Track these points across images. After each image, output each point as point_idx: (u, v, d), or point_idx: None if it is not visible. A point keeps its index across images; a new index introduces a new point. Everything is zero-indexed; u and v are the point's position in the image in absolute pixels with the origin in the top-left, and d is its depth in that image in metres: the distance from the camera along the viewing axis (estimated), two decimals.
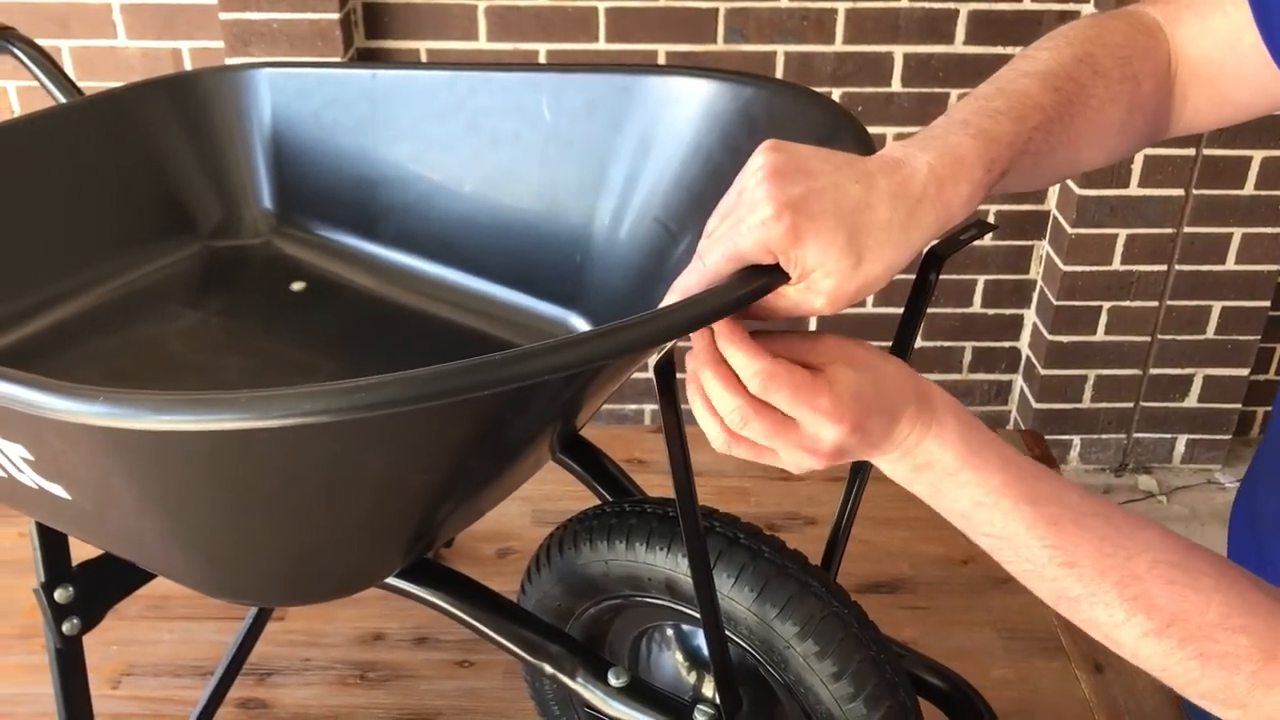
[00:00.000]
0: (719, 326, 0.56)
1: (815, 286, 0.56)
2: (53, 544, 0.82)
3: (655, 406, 2.57)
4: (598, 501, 0.88)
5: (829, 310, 0.57)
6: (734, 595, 0.75)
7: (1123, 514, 0.58)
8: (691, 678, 0.86)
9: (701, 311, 0.54)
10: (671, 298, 0.58)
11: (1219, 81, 0.71)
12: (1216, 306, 2.39)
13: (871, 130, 2.46)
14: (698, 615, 0.74)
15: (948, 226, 0.59)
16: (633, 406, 2.55)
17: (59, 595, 0.82)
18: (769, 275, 0.56)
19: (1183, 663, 0.56)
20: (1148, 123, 0.71)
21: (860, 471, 0.80)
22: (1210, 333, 2.45)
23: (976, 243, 2.40)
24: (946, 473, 0.58)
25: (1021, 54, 0.67)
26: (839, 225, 0.55)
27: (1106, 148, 0.70)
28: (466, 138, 0.97)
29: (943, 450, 0.58)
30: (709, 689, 0.84)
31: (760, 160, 0.57)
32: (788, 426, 0.57)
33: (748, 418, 0.57)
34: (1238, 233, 2.33)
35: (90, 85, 1.41)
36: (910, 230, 0.57)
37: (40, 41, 1.09)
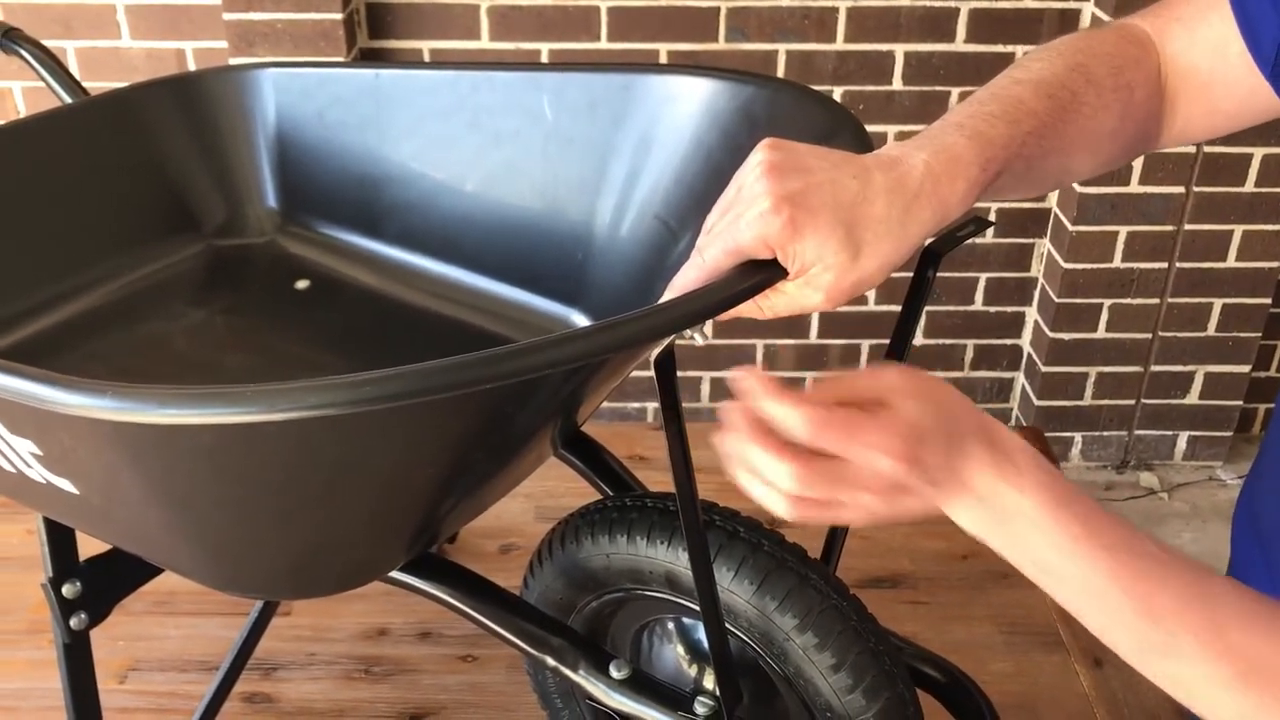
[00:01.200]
0: (755, 385, 0.54)
1: (813, 281, 0.57)
2: (60, 540, 0.82)
3: (657, 404, 2.56)
4: (599, 497, 0.88)
5: (827, 306, 0.58)
6: (734, 588, 0.75)
7: (1193, 562, 0.57)
8: (692, 670, 0.87)
9: (700, 306, 0.54)
10: (670, 294, 0.58)
11: (1208, 91, 0.72)
12: (1218, 303, 2.40)
13: (873, 129, 2.46)
14: (698, 608, 0.75)
15: (944, 223, 0.60)
16: (635, 404, 2.56)
17: (67, 590, 0.83)
18: (767, 270, 0.56)
19: (1265, 712, 0.55)
20: (1139, 131, 0.72)
21: None
22: (1211, 330, 2.46)
23: (977, 240, 2.40)
24: (1031, 523, 0.55)
25: (1015, 64, 0.68)
26: (836, 219, 0.56)
27: (1099, 155, 0.71)
28: (469, 136, 0.98)
29: (1021, 498, 0.55)
30: (709, 681, 0.85)
31: (759, 157, 0.57)
32: (844, 471, 0.54)
33: (803, 477, 0.54)
34: (1238, 230, 2.33)
35: (95, 86, 1.42)
36: (907, 225, 0.58)
37: (45, 42, 1.10)
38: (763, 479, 0.56)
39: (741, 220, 0.56)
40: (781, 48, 2.23)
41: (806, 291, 0.57)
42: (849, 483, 0.54)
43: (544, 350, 0.51)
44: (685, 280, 0.58)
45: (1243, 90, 0.71)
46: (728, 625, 0.77)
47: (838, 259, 0.56)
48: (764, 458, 0.55)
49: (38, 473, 0.67)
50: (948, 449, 0.55)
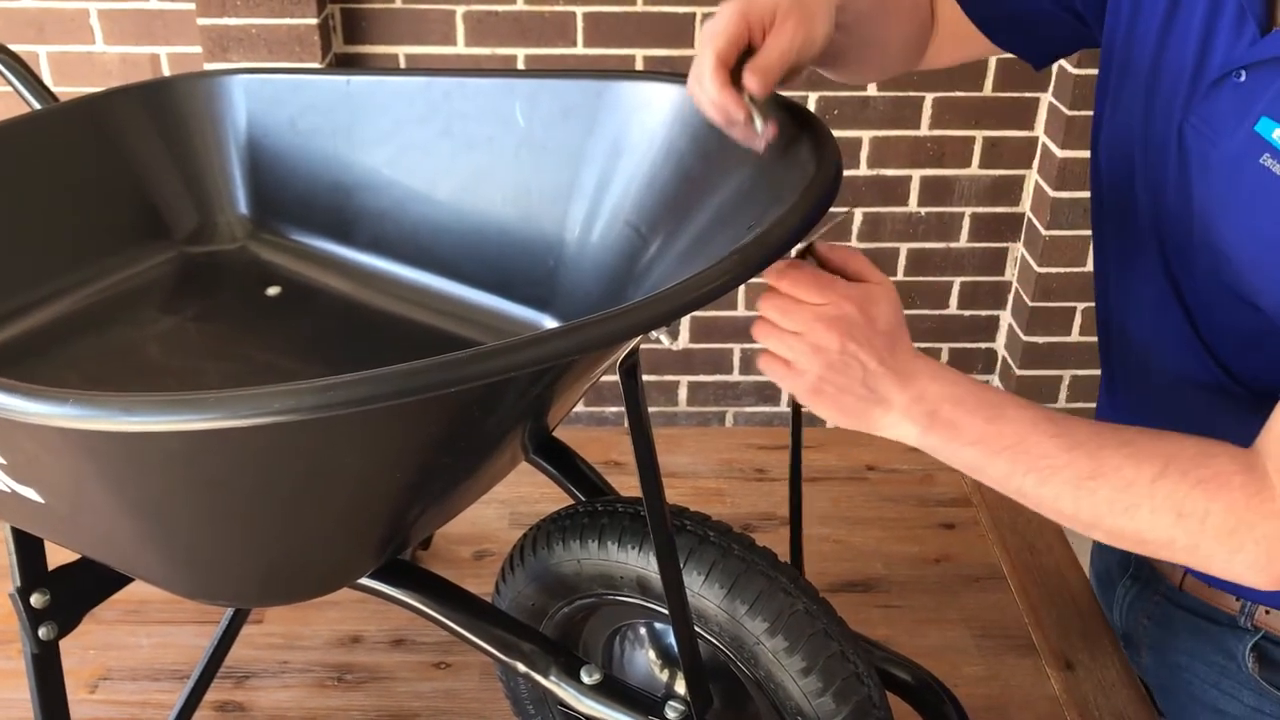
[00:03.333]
0: (771, 272, 0.68)
1: (772, 39, 0.69)
2: (29, 549, 0.82)
3: None
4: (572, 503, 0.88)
5: (779, 47, 0.69)
6: (704, 592, 0.76)
7: (1109, 424, 0.70)
8: (664, 675, 0.87)
9: (663, 310, 0.55)
10: (701, 87, 0.70)
11: (951, 22, 0.93)
12: None
13: (848, 134, 2.48)
14: (668, 613, 0.75)
15: (813, 30, 0.72)
16: (612, 409, 2.56)
17: (35, 600, 0.82)
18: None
19: (1189, 495, 0.65)
20: (920, 30, 0.93)
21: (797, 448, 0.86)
22: None
23: (951, 244, 2.42)
24: (956, 402, 0.68)
25: None
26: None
27: (901, 34, 0.90)
28: (441, 143, 0.98)
29: (947, 386, 0.68)
30: (681, 686, 0.85)
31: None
32: (811, 309, 0.67)
33: (787, 305, 0.67)
34: None
35: (67, 91, 1.41)
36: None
37: (16, 47, 1.10)
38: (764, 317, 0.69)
39: (714, 18, 0.69)
40: None
41: (780, 33, 0.69)
42: (810, 314, 0.66)
43: (510, 353, 0.51)
44: (701, 69, 0.70)
45: (967, 26, 0.92)
46: (698, 629, 0.77)
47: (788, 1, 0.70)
48: (765, 298, 0.69)
49: (3, 482, 0.67)
50: (891, 340, 0.67)
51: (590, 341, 0.52)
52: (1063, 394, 2.50)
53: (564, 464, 0.94)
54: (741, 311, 2.49)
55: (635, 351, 0.70)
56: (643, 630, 0.88)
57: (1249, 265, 0.73)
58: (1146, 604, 1.02)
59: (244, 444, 0.57)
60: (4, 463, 0.64)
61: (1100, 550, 1.13)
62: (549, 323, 0.94)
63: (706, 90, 0.70)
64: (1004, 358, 2.57)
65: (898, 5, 0.89)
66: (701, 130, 0.85)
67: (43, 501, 0.67)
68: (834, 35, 0.75)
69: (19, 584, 0.81)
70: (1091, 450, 0.67)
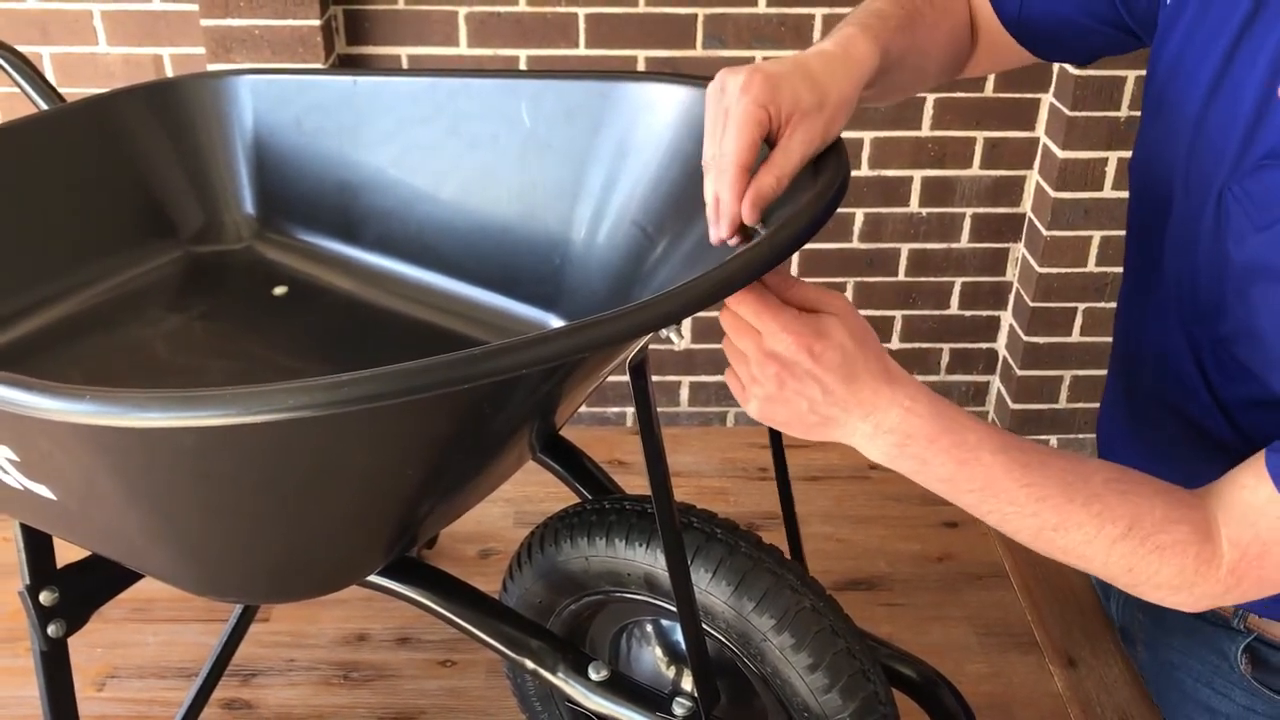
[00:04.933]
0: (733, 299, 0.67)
1: (795, 128, 0.69)
2: (38, 547, 0.82)
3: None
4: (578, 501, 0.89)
5: (800, 151, 0.69)
6: (711, 589, 0.76)
7: (1067, 453, 0.71)
8: (671, 672, 0.88)
9: (674, 307, 0.55)
10: (724, 207, 0.68)
11: (990, 32, 0.93)
12: None
13: (850, 134, 2.48)
14: (676, 609, 0.76)
15: (865, 77, 0.74)
16: (614, 409, 2.56)
17: (44, 598, 0.82)
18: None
19: (1145, 558, 0.68)
20: (959, 48, 0.93)
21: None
22: None
23: (952, 245, 2.42)
24: (929, 440, 0.67)
25: (865, 1, 0.85)
26: (795, 72, 0.70)
27: (939, 58, 0.90)
28: (447, 143, 0.98)
29: (920, 421, 0.67)
30: (688, 682, 0.86)
31: (716, 79, 0.71)
32: (758, 340, 0.66)
33: (728, 324, 0.67)
34: None
35: (71, 92, 1.41)
36: (845, 78, 0.73)
37: (21, 48, 1.10)
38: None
39: (732, 105, 0.68)
40: (759, 54, 2.24)
41: (796, 135, 0.69)
42: (752, 346, 0.66)
43: (521, 350, 0.52)
44: (724, 184, 0.68)
45: (1009, 40, 0.92)
46: (705, 626, 0.77)
47: (809, 100, 0.69)
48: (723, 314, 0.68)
49: (15, 479, 0.68)
50: (851, 368, 0.66)
51: (603, 338, 0.53)
52: (1063, 394, 2.50)
53: (570, 462, 0.94)
54: None
55: (644, 350, 0.70)
56: (649, 627, 0.88)
57: (1271, 350, 0.73)
58: (1141, 600, 1.02)
59: (256, 440, 0.58)
60: (17, 459, 0.65)
61: None
62: (554, 322, 0.95)
63: (727, 206, 0.69)
64: (1005, 358, 2.57)
65: (933, 39, 0.88)
66: None
67: (54, 498, 0.67)
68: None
69: (28, 581, 0.82)
70: (1058, 504, 0.68)
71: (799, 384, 0.66)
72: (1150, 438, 0.91)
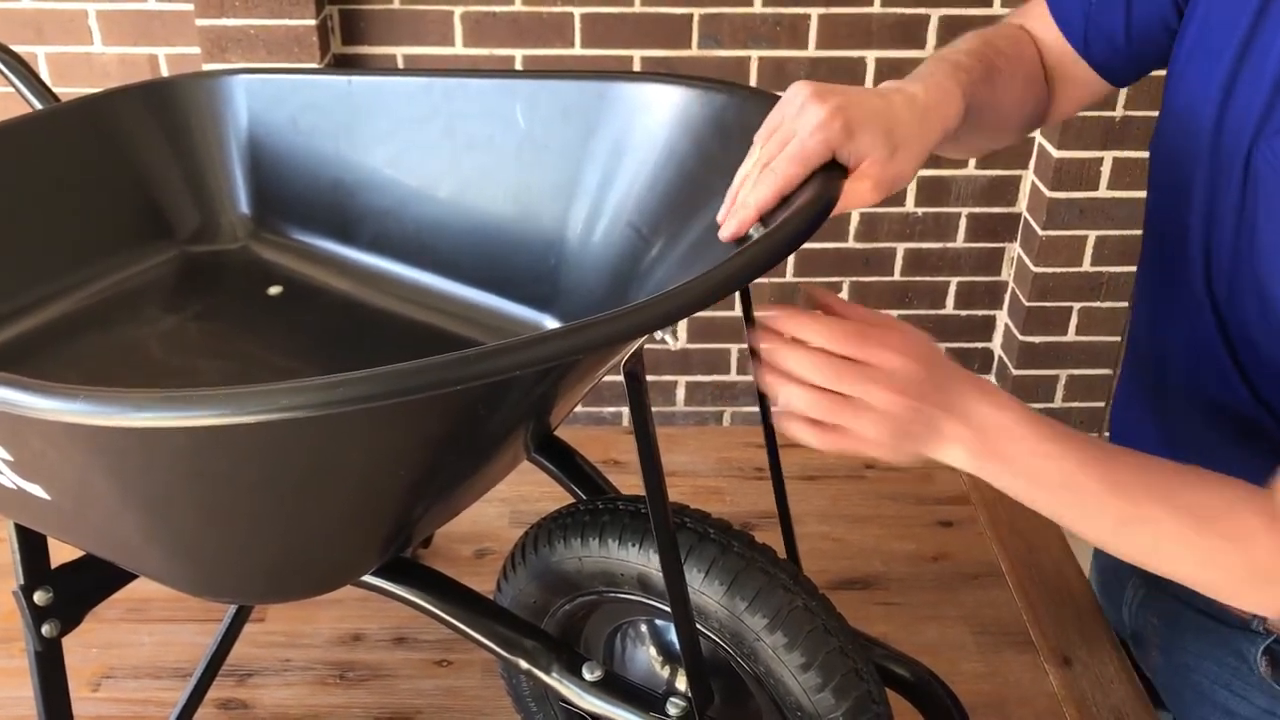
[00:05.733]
0: (787, 319, 0.66)
1: (864, 173, 0.68)
2: (32, 546, 0.82)
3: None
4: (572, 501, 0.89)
5: (875, 197, 0.69)
6: (704, 589, 0.76)
7: (1138, 452, 0.70)
8: (664, 672, 0.88)
9: (672, 307, 0.55)
10: (745, 212, 0.68)
11: (1070, 73, 0.91)
12: None
13: None
14: (669, 610, 0.76)
15: (947, 134, 0.74)
16: (610, 409, 2.56)
17: (38, 597, 0.82)
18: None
19: (1221, 550, 0.67)
20: (1038, 98, 0.91)
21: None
22: None
23: (948, 244, 2.43)
24: (1016, 439, 0.67)
25: (938, 52, 0.84)
26: (878, 121, 0.69)
27: (1018, 110, 0.89)
28: (442, 143, 0.98)
29: (1005, 417, 0.67)
30: (681, 683, 0.86)
31: (799, 88, 0.70)
32: (861, 370, 0.65)
33: (836, 366, 0.65)
34: None
35: (66, 91, 1.41)
36: (925, 131, 0.72)
37: (16, 47, 1.10)
38: (793, 376, 0.66)
39: (802, 133, 0.67)
40: (754, 54, 2.25)
41: (858, 186, 0.68)
42: (868, 379, 0.65)
43: (518, 351, 0.52)
44: (760, 196, 0.68)
45: (1083, 72, 0.91)
46: (699, 626, 0.77)
47: (883, 152, 0.68)
48: (795, 355, 0.66)
49: (8, 479, 0.68)
50: (944, 377, 0.67)
51: (600, 339, 0.53)
52: (1059, 394, 2.51)
53: (565, 463, 0.94)
54: (738, 311, 2.49)
55: (640, 350, 0.70)
56: (643, 627, 0.88)
57: None
58: (1157, 604, 1.02)
59: (252, 441, 0.58)
60: (10, 459, 0.65)
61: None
62: (550, 322, 0.95)
63: (747, 216, 0.68)
64: (1000, 357, 2.57)
65: (1010, 90, 0.86)
66: (703, 133, 0.86)
67: (48, 498, 0.67)
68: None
69: (22, 581, 0.82)
70: (1134, 495, 0.68)
71: (920, 403, 0.65)
72: (1176, 430, 0.91)
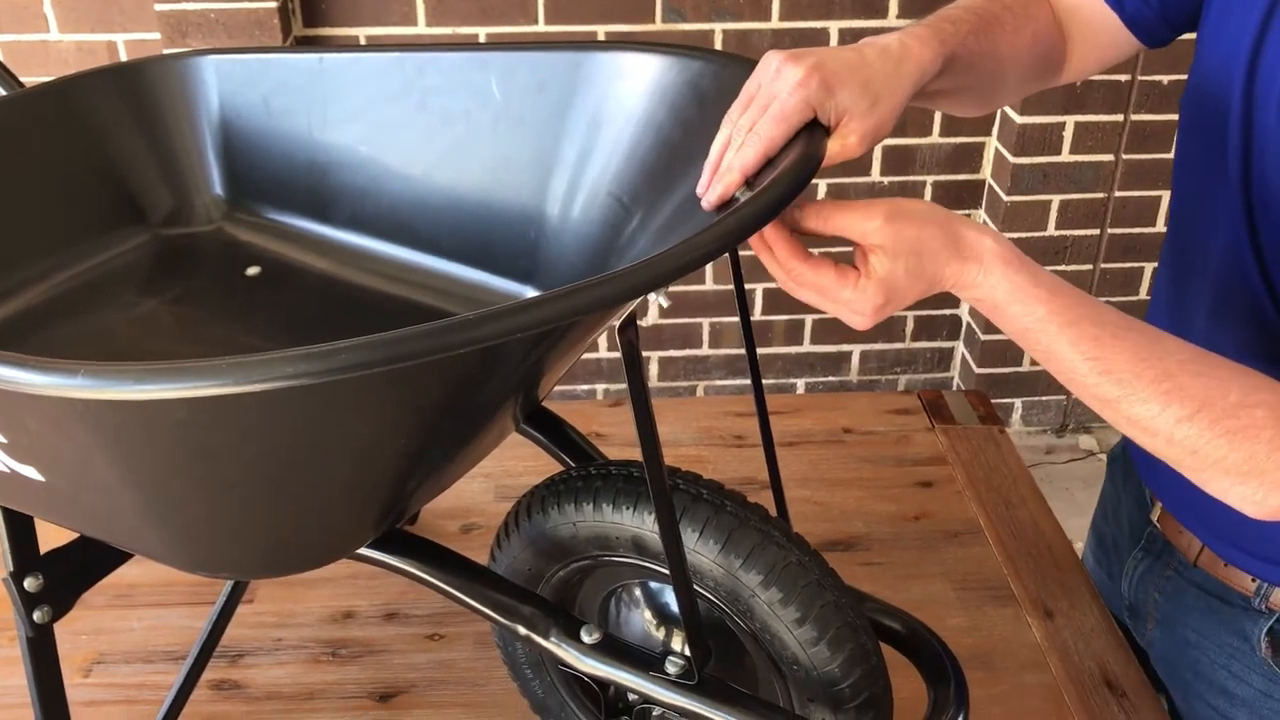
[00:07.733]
0: (764, 232, 0.69)
1: (847, 127, 0.70)
2: (21, 532, 0.82)
3: (606, 386, 2.58)
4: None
5: (860, 149, 0.71)
6: (699, 548, 0.77)
7: (1150, 328, 0.70)
8: (660, 633, 0.89)
9: (668, 268, 0.56)
10: (731, 175, 0.70)
11: (1090, 30, 0.90)
12: (1148, 267, 2.47)
13: None
14: (665, 571, 0.77)
15: (923, 80, 0.75)
16: (584, 386, 2.57)
17: (29, 584, 0.82)
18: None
19: (1212, 442, 0.66)
20: (1047, 54, 0.90)
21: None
22: (1143, 293, 2.53)
23: None
24: (997, 307, 0.69)
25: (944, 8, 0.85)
26: (854, 74, 0.71)
27: (1019, 66, 0.88)
28: (417, 118, 0.98)
29: (991, 291, 0.68)
30: (677, 643, 0.87)
31: (772, 55, 0.72)
32: (834, 309, 0.71)
33: (792, 288, 0.71)
34: (1165, 195, 2.40)
35: (24, 81, 1.38)
36: (900, 79, 0.73)
37: None
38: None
39: (782, 94, 0.69)
40: (718, 27, 2.25)
41: (842, 140, 0.71)
42: (831, 305, 0.71)
43: (514, 314, 0.52)
44: (744, 159, 0.69)
45: (1113, 29, 0.90)
46: (694, 585, 0.78)
47: (862, 106, 0.70)
48: (769, 264, 0.72)
49: (1, 462, 0.67)
50: (925, 285, 0.69)
51: (600, 299, 0.54)
52: (1027, 358, 2.54)
53: (554, 433, 0.95)
54: (710, 286, 2.50)
55: (634, 315, 0.71)
56: (638, 590, 0.89)
57: None
58: (1158, 578, 1.01)
59: (253, 411, 0.58)
60: (5, 442, 0.64)
61: (1108, 518, 1.12)
62: (532, 294, 0.95)
63: (732, 180, 0.70)
64: (969, 323, 2.60)
65: (1013, 44, 0.85)
66: (680, 101, 0.86)
67: (43, 480, 0.67)
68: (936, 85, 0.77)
69: (12, 568, 0.81)
70: (1126, 378, 0.67)
71: (899, 302, 0.70)
72: (1200, 332, 0.88)
